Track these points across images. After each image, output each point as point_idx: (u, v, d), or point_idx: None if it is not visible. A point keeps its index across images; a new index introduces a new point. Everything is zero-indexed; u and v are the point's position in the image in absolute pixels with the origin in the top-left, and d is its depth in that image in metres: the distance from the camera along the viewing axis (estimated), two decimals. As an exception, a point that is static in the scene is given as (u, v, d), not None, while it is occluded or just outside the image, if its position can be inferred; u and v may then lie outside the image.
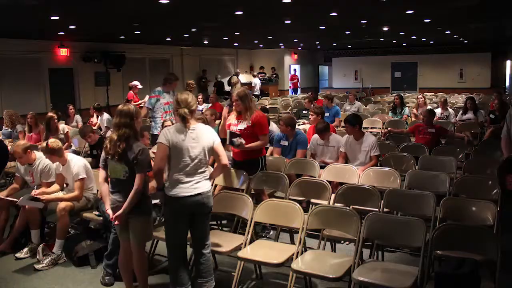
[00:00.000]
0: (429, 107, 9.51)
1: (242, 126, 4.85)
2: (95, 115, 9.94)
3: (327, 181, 4.73)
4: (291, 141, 5.96)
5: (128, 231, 3.67)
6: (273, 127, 6.77)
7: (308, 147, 6.04)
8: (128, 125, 3.58)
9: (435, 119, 7.94)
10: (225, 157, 3.76)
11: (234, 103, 4.88)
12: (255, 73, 19.81)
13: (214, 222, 5.10)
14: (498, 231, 3.72)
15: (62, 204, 4.57)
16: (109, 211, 3.66)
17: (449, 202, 4.07)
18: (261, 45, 19.07)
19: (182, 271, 3.69)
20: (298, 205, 3.96)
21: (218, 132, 4.61)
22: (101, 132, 8.87)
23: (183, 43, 16.39)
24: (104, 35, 12.88)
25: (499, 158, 5.61)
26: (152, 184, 3.88)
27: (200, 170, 3.63)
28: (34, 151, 5.17)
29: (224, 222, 5.32)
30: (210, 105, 10.88)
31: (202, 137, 3.64)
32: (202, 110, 9.34)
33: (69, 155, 4.90)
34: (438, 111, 9.44)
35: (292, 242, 4.37)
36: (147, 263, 3.94)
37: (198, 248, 3.76)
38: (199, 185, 3.61)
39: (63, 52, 13.53)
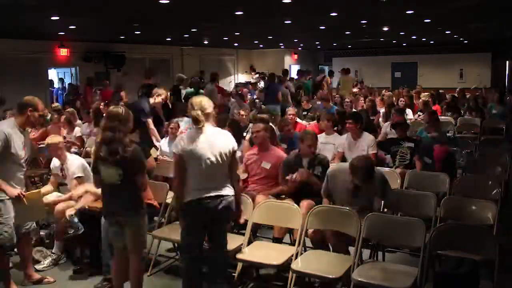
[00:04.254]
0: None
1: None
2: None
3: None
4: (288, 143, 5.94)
5: (124, 238, 3.48)
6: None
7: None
8: (113, 128, 3.38)
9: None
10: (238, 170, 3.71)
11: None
12: (255, 74, 19.67)
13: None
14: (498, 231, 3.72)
15: (59, 206, 4.52)
16: None
17: (449, 202, 4.07)
18: (261, 45, 19.06)
19: (194, 276, 3.47)
20: (296, 205, 3.95)
21: None
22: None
23: (183, 43, 16.38)
24: (104, 35, 12.88)
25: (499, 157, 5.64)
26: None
27: (219, 177, 3.40)
28: None
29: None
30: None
31: (216, 141, 3.39)
32: None
33: (68, 154, 4.87)
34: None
35: (292, 242, 4.36)
36: (143, 271, 3.71)
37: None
38: (219, 191, 3.38)
39: (63, 52, 13.52)
